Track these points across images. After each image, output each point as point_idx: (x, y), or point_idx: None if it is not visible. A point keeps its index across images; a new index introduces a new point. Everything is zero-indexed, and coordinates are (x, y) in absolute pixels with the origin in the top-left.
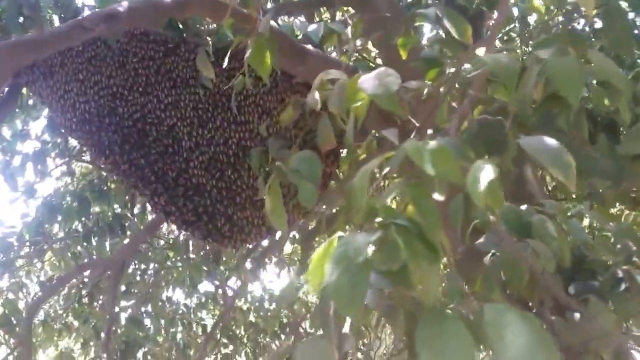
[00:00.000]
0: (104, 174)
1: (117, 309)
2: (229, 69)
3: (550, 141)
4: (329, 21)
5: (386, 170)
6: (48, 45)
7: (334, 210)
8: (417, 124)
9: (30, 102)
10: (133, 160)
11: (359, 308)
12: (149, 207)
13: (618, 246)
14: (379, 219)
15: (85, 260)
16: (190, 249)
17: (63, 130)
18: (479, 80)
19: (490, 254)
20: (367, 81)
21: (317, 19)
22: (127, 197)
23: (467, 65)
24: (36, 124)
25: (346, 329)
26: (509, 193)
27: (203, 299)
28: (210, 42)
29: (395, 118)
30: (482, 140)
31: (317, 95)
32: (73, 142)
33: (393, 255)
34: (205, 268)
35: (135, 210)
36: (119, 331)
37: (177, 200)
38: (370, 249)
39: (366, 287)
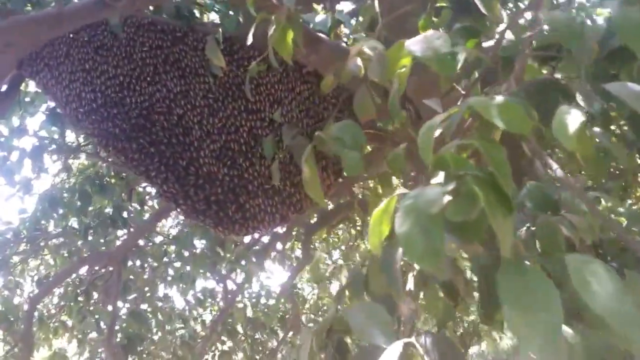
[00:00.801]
0: (101, 170)
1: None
2: (239, 57)
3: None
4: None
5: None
6: (68, 20)
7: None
8: (463, 92)
9: (27, 98)
10: (142, 149)
11: (438, 258)
12: (149, 201)
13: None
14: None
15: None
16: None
17: (68, 122)
18: (528, 44)
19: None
20: (415, 44)
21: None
22: (126, 191)
23: (510, 35)
24: (33, 120)
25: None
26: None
27: (201, 296)
28: (220, 30)
29: (434, 90)
30: (534, 103)
31: (359, 61)
32: (70, 137)
33: (468, 206)
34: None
35: (135, 204)
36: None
37: (188, 188)
38: (445, 199)
39: (443, 236)
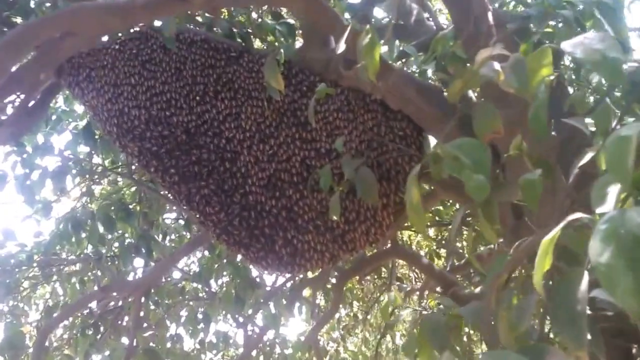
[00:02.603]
0: (125, 197)
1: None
2: (297, 82)
3: None
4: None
5: None
6: (137, 13)
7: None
8: None
9: (54, 116)
10: (186, 172)
11: None
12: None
13: None
14: None
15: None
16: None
17: (108, 137)
18: None
19: None
20: (576, 46)
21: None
22: (147, 220)
23: None
24: (59, 138)
25: None
26: None
27: (214, 339)
28: (282, 51)
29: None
30: None
31: (496, 65)
32: (96, 159)
33: None
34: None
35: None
36: None
37: (232, 218)
38: None
39: None
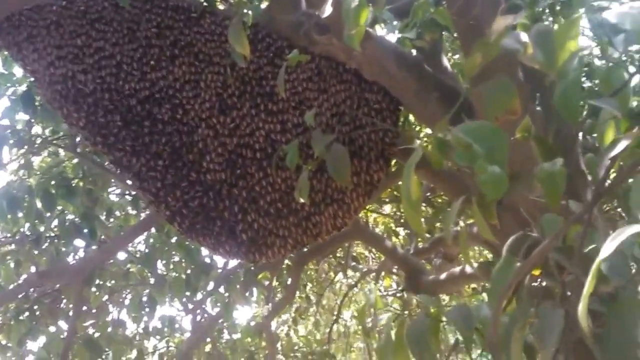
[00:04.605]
0: (67, 171)
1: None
2: (264, 48)
3: None
4: None
5: None
6: None
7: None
8: None
9: None
10: (135, 146)
11: None
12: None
13: None
14: None
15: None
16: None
17: (49, 105)
18: None
19: None
20: (622, 16)
21: None
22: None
23: None
24: None
25: None
26: None
27: (159, 324)
28: (250, 13)
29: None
30: None
31: (523, 35)
32: (36, 129)
33: None
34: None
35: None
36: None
37: (186, 198)
38: None
39: None
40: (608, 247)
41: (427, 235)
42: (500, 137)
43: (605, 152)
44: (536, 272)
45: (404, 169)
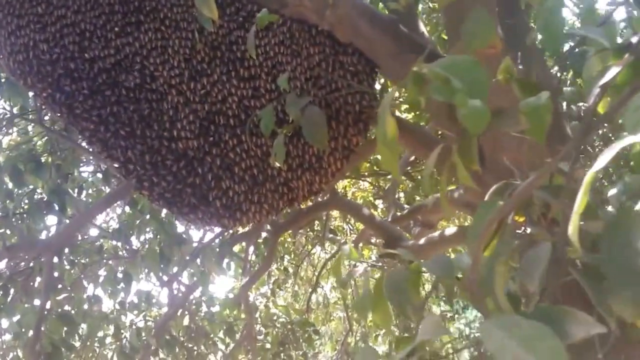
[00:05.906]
0: (36, 148)
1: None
2: (233, 12)
3: None
4: None
5: None
6: None
7: None
8: None
9: None
10: (102, 116)
11: None
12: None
13: None
14: None
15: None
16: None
17: (11, 77)
18: None
19: None
20: None
21: None
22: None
23: None
24: None
25: None
26: None
27: (135, 299)
28: None
29: None
30: None
31: None
32: (2, 105)
33: None
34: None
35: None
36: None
37: (157, 168)
38: None
39: None
40: (601, 160)
41: (406, 206)
42: (479, 70)
43: (594, 81)
44: (520, 219)
45: (379, 107)
